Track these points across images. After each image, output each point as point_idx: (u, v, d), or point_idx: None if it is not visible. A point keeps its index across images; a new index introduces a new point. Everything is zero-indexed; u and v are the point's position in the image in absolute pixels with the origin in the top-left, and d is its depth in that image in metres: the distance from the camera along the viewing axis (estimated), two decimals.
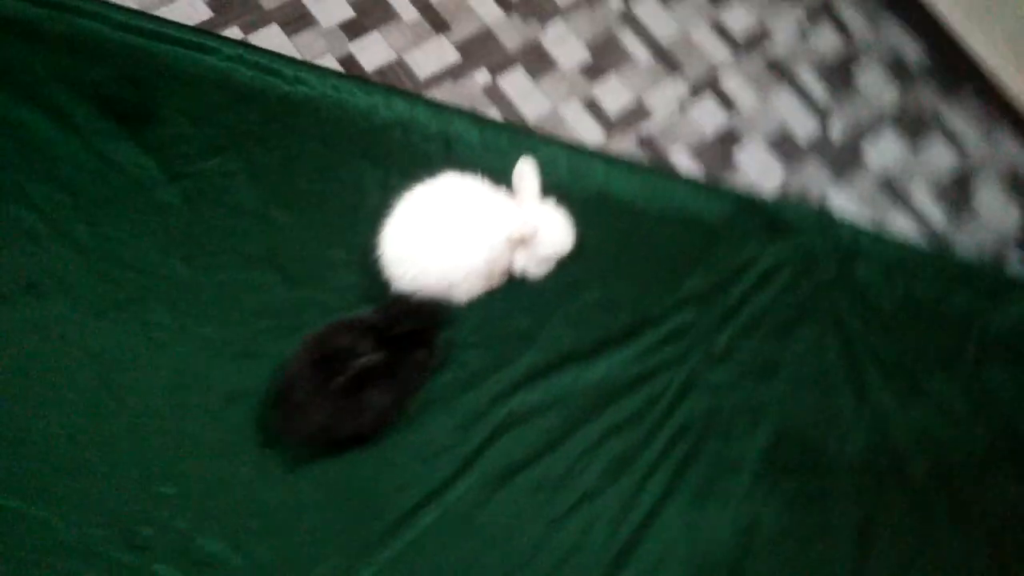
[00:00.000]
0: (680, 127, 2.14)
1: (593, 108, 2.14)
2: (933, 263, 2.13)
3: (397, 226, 1.72)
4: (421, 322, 1.61)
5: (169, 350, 1.70)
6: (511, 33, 2.17)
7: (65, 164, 1.83)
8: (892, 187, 2.23)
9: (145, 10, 1.99)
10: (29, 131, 1.84)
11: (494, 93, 2.06)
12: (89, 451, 1.60)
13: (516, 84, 2.12)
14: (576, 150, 2.07)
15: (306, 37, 2.05)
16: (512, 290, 1.86)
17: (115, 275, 1.75)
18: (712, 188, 2.11)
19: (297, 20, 2.04)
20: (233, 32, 2.02)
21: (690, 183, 2.12)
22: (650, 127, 2.14)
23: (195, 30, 2.02)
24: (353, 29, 2.05)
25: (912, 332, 2.08)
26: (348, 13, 2.07)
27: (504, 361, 1.81)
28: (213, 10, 2.00)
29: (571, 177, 2.00)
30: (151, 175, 1.85)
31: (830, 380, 1.99)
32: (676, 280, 1.98)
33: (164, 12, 1.99)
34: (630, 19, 2.25)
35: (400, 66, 1.97)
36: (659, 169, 2.15)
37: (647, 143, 2.13)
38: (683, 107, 2.16)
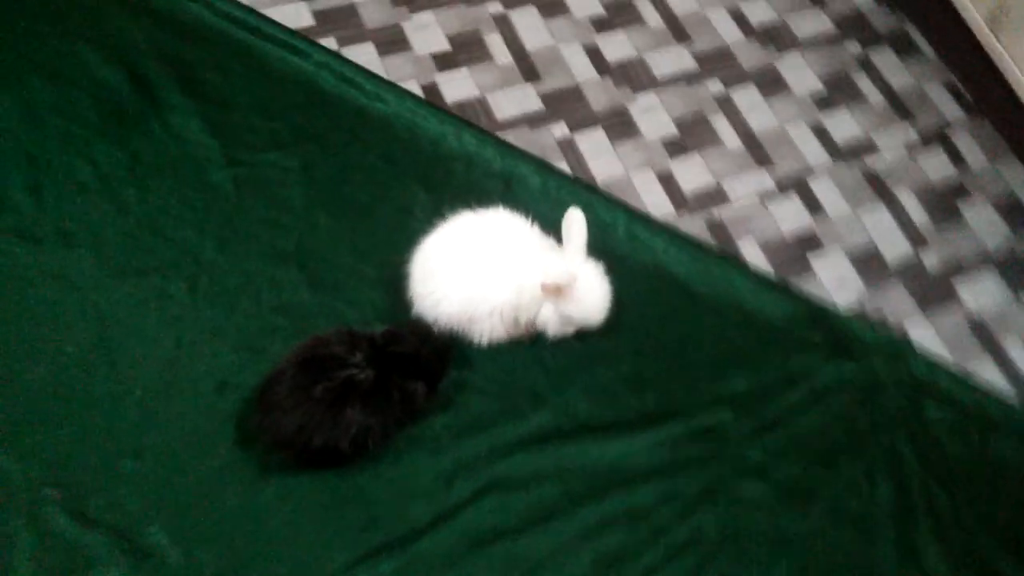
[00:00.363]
0: (757, 219, 2.02)
1: (667, 182, 2.04)
2: (1020, 420, 1.88)
3: (432, 245, 1.64)
4: (427, 350, 1.51)
5: (176, 326, 1.66)
6: (600, 94, 2.12)
7: (134, 129, 1.86)
8: (984, 333, 2.01)
9: (253, 6, 2.05)
10: (110, 92, 1.90)
11: (567, 147, 2.00)
12: (67, 408, 1.55)
13: (592, 143, 2.06)
14: (638, 216, 1.96)
15: (396, 60, 2.06)
16: (536, 345, 1.74)
17: (147, 242, 1.74)
18: (778, 287, 1.95)
19: (393, 43, 2.05)
20: (329, 42, 2.05)
21: (755, 276, 1.97)
22: (724, 212, 2.02)
23: (293, 32, 2.06)
24: (444, 61, 2.04)
25: (984, 493, 1.82)
26: (444, 46, 2.07)
27: (510, 416, 1.68)
28: (316, 19, 2.04)
29: (627, 243, 1.89)
30: (209, 156, 1.86)
31: (873, 525, 1.75)
32: (717, 374, 1.82)
33: (270, 12, 2.03)
34: (726, 103, 2.17)
35: (480, 103, 1.94)
36: (724, 255, 2.01)
37: (718, 227, 2.01)
38: (764, 200, 2.03)
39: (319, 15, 2.05)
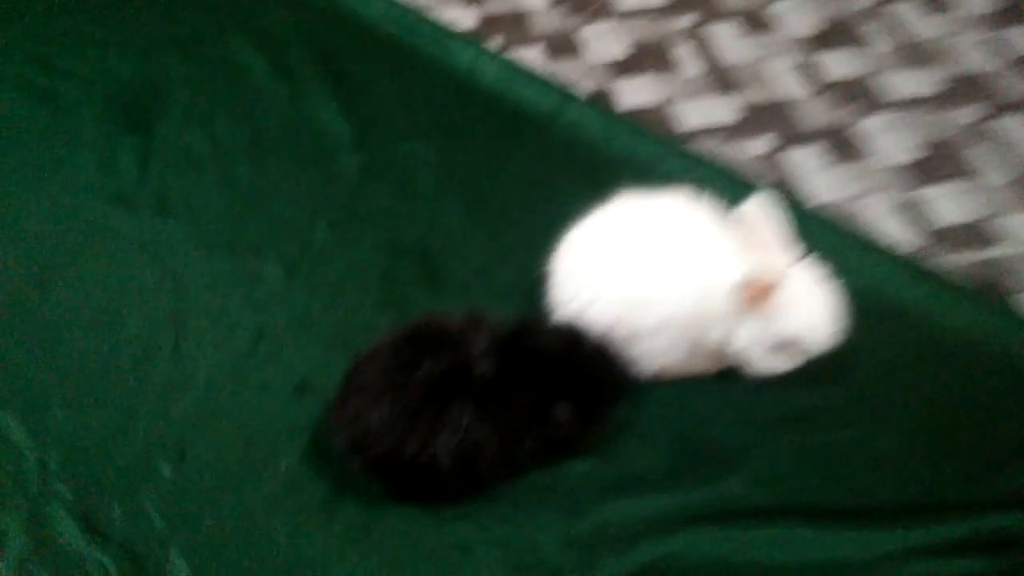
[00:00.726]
0: None
1: (910, 212, 1.54)
2: None
3: (583, 235, 1.23)
4: (583, 359, 1.07)
5: (262, 312, 1.34)
6: (816, 111, 1.69)
7: (262, 109, 1.66)
8: None
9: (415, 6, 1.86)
10: (246, 72, 1.71)
11: (770, 163, 1.56)
12: (110, 389, 1.24)
13: (803, 161, 1.61)
14: (870, 245, 1.47)
15: (566, 66, 1.75)
16: (728, 384, 1.25)
17: (249, 219, 1.47)
18: None
19: (563, 48, 1.76)
20: (493, 45, 1.79)
21: None
22: (996, 254, 1.47)
23: (450, 32, 1.82)
24: (622, 68, 1.71)
25: None
26: (621, 54, 1.75)
27: (684, 477, 1.18)
28: (482, 23, 1.80)
29: (857, 276, 1.38)
30: (339, 140, 1.61)
31: None
32: (999, 460, 1.22)
33: (434, 14, 1.83)
34: (984, 135, 1.67)
35: (660, 111, 1.56)
36: (1005, 305, 1.44)
37: (983, 273, 1.46)
38: None
39: (486, 20, 1.80)
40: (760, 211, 1.20)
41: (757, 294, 1.14)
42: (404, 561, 1.08)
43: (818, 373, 1.27)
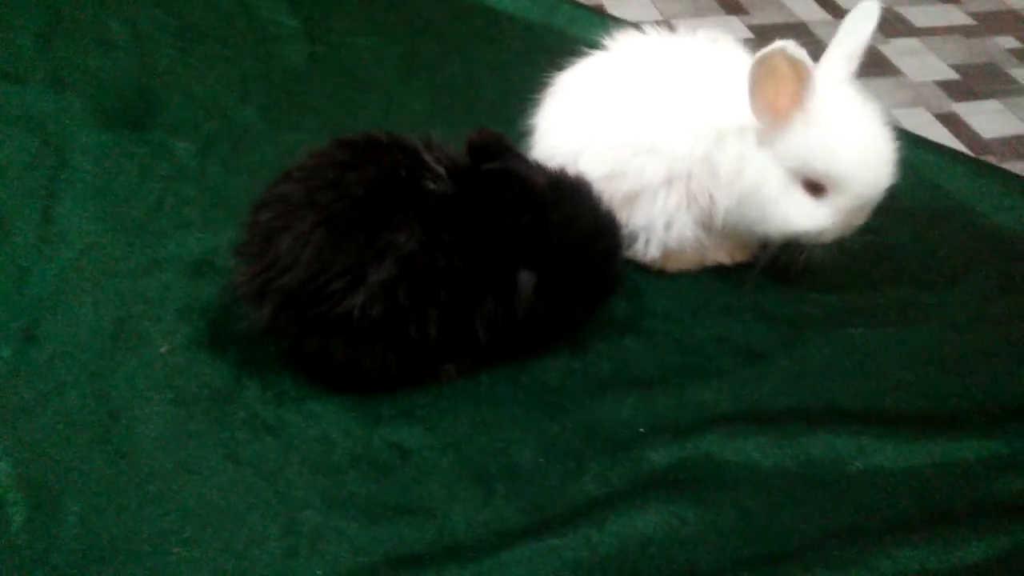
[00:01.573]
0: None
1: (952, 122, 1.32)
2: None
3: (574, 79, 0.98)
4: (567, 202, 0.81)
5: (163, 188, 1.07)
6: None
7: (201, 2, 1.43)
8: None
9: None
10: None
11: None
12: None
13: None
14: (921, 143, 1.24)
15: None
16: (753, 281, 0.99)
17: (164, 99, 1.26)
18: None
19: None
20: None
21: None
22: None
23: None
24: None
25: None
26: None
27: (697, 374, 0.90)
28: None
29: (907, 178, 1.14)
30: (284, 33, 1.40)
31: None
32: None
33: None
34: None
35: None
36: None
37: None
38: None
39: None
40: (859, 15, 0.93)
41: (780, 85, 0.87)
42: (322, 466, 0.79)
43: (866, 271, 1.02)
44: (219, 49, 1.34)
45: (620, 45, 1.00)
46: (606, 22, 1.42)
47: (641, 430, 0.85)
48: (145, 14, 1.40)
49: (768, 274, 1.00)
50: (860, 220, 0.93)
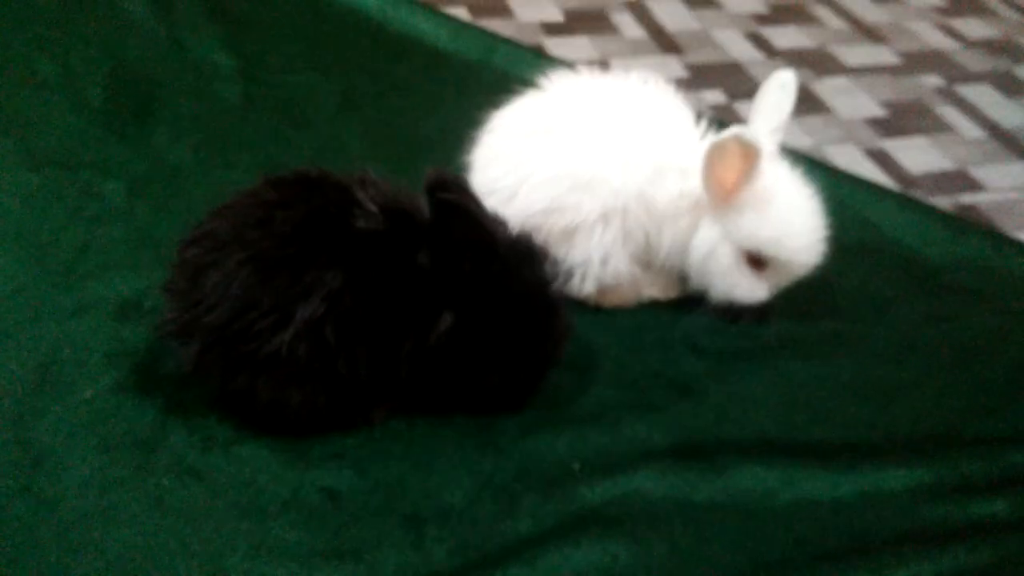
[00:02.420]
0: None
1: (881, 158, 1.39)
2: None
3: (513, 113, 1.02)
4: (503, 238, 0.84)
5: (90, 229, 1.07)
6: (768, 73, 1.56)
7: (134, 42, 1.47)
8: None
9: None
10: (119, 9, 1.52)
11: (728, 112, 1.40)
12: None
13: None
14: (849, 180, 1.31)
15: (494, 23, 1.59)
16: (687, 319, 1.03)
17: (93, 139, 1.24)
18: None
19: (491, 9, 1.61)
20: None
21: None
22: (979, 200, 1.32)
23: None
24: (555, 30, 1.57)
25: None
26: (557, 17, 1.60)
27: (634, 409, 0.93)
28: None
29: (835, 213, 1.20)
30: (220, 71, 1.42)
31: None
32: (1002, 394, 1.01)
33: None
34: (950, 95, 1.56)
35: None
36: (1001, 235, 1.26)
37: (971, 212, 1.30)
38: None
39: None
40: (773, 87, 1.00)
41: (733, 167, 0.92)
42: (249, 511, 0.79)
43: (796, 304, 1.06)
44: (151, 88, 1.35)
45: (556, 83, 1.03)
46: (544, 62, 1.46)
47: (575, 467, 0.87)
48: (76, 54, 1.41)
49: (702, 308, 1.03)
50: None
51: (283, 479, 0.83)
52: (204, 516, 0.79)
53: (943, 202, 1.34)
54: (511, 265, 0.85)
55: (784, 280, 1.01)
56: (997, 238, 1.24)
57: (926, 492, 0.89)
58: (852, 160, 1.42)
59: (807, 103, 1.56)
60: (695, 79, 1.60)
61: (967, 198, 1.37)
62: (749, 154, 0.91)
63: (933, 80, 1.67)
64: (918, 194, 1.35)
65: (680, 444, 0.90)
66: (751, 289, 1.00)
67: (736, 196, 0.95)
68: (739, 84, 1.60)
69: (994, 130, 1.54)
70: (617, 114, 0.99)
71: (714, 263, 0.98)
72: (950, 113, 1.57)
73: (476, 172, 1.02)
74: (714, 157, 0.92)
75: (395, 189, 0.85)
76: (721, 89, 1.58)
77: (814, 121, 1.52)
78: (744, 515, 0.85)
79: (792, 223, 0.97)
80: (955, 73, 1.70)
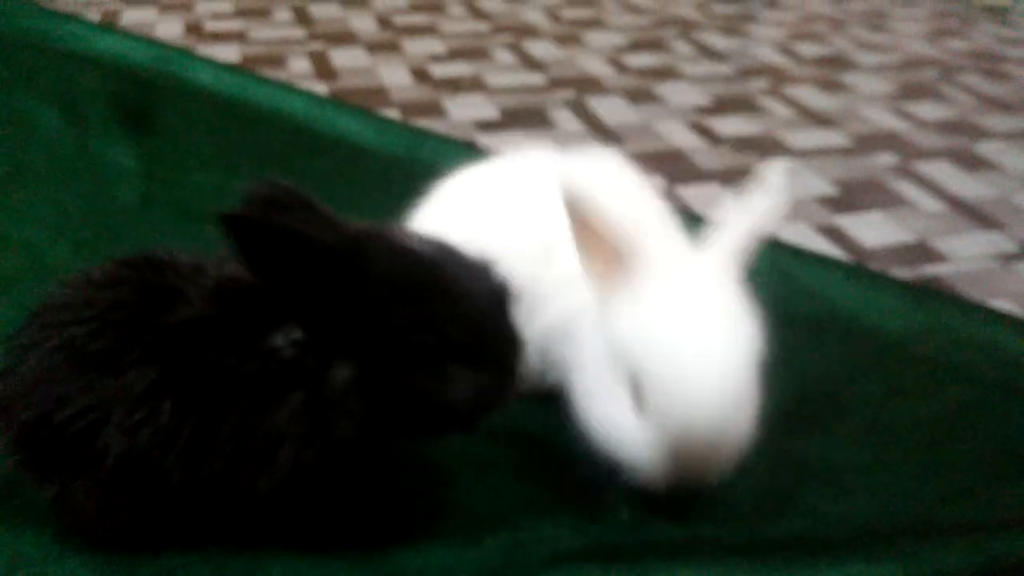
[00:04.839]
0: (1004, 280, 1.22)
1: (834, 234, 1.32)
2: None
3: (435, 199, 0.98)
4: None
5: None
6: (711, 160, 1.52)
7: (39, 147, 1.43)
8: None
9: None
10: (27, 118, 1.52)
11: (670, 196, 1.35)
12: None
13: (705, 195, 1.41)
14: (801, 255, 1.23)
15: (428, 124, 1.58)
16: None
17: None
18: None
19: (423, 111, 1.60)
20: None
21: (1021, 325, 1.10)
22: (943, 270, 1.24)
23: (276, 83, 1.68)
24: (492, 127, 1.55)
25: None
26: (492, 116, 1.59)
27: (526, 507, 0.80)
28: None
29: (781, 287, 1.12)
30: (120, 172, 1.37)
31: None
32: (1008, 469, 0.88)
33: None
34: (906, 172, 1.52)
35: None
36: (973, 305, 1.16)
37: (936, 283, 1.21)
38: (1008, 261, 1.25)
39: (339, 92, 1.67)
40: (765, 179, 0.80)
41: (594, 238, 0.74)
42: None
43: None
44: (45, 190, 1.29)
45: (494, 162, 0.98)
46: (475, 154, 1.42)
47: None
48: None
49: None
50: (701, 471, 0.72)
51: None
52: None
53: (904, 274, 1.25)
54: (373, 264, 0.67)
55: (671, 438, 0.70)
56: (964, 305, 1.14)
57: None
58: (803, 238, 1.34)
59: (751, 186, 1.50)
60: (635, 167, 1.54)
61: (930, 269, 1.28)
62: (613, 235, 0.72)
63: (887, 159, 1.62)
64: (875, 267, 1.26)
65: (593, 546, 0.76)
66: (627, 431, 0.72)
67: (613, 285, 0.74)
68: (681, 170, 1.55)
69: (955, 202, 1.47)
70: (517, 195, 0.91)
71: (585, 377, 0.76)
72: (907, 188, 1.51)
73: None
74: (572, 221, 0.74)
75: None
76: (661, 174, 1.52)
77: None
78: None
79: (675, 337, 0.70)
80: (910, 150, 1.66)
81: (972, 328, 1.08)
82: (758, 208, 0.80)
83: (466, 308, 0.66)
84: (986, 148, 1.68)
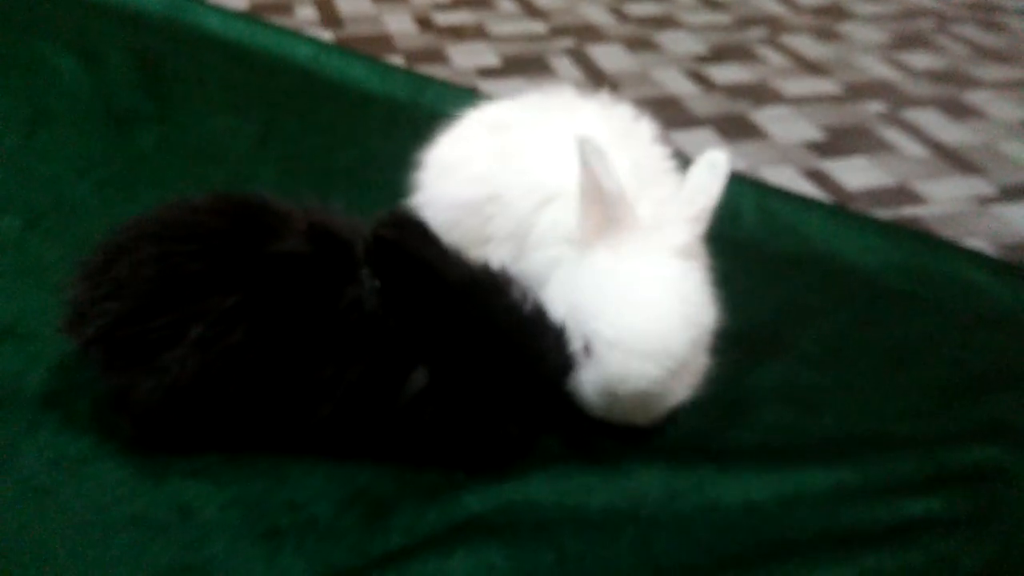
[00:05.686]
0: (979, 221, 1.28)
1: (818, 178, 1.38)
2: None
3: (460, 128, 1.04)
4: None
5: None
6: (706, 105, 1.57)
7: (59, 93, 1.49)
8: None
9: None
10: (46, 65, 1.59)
11: (664, 140, 1.41)
12: None
13: (700, 140, 1.47)
14: (782, 195, 1.29)
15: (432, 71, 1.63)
16: None
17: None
18: None
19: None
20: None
21: (995, 264, 1.17)
22: (921, 212, 1.30)
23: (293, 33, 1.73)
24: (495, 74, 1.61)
25: None
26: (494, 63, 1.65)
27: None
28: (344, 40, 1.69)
29: (762, 227, 1.19)
30: (137, 115, 1.42)
31: None
32: (964, 394, 0.96)
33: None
34: (894, 119, 1.57)
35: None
36: (940, 241, 1.23)
37: (914, 224, 1.28)
38: (984, 204, 1.31)
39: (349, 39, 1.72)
40: (704, 167, 0.86)
41: (592, 198, 0.82)
42: (90, 529, 0.74)
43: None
44: (66, 133, 1.36)
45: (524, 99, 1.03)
46: (477, 99, 1.47)
47: (461, 475, 0.82)
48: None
49: None
50: (633, 419, 0.84)
51: (134, 496, 0.78)
52: (42, 536, 0.74)
53: (884, 215, 1.32)
54: (472, 301, 0.78)
55: (604, 386, 0.81)
56: (935, 242, 1.21)
57: (850, 494, 0.84)
58: (788, 180, 1.41)
59: (743, 131, 1.56)
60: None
61: (909, 211, 1.34)
62: (604, 190, 0.80)
63: (876, 106, 1.67)
64: (857, 209, 1.33)
65: (577, 448, 0.85)
66: (580, 377, 0.82)
67: (600, 235, 0.82)
68: (677, 115, 1.61)
69: (937, 148, 1.53)
70: (548, 133, 0.95)
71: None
72: (893, 135, 1.57)
73: (420, 178, 1.02)
74: (583, 184, 0.82)
75: (345, 220, 0.83)
76: (656, 120, 1.58)
77: (749, 146, 1.51)
78: (644, 521, 0.79)
79: (622, 299, 0.80)
80: (900, 99, 1.71)
81: (943, 264, 1.15)
82: (712, 186, 0.85)
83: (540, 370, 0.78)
84: (976, 97, 1.73)
